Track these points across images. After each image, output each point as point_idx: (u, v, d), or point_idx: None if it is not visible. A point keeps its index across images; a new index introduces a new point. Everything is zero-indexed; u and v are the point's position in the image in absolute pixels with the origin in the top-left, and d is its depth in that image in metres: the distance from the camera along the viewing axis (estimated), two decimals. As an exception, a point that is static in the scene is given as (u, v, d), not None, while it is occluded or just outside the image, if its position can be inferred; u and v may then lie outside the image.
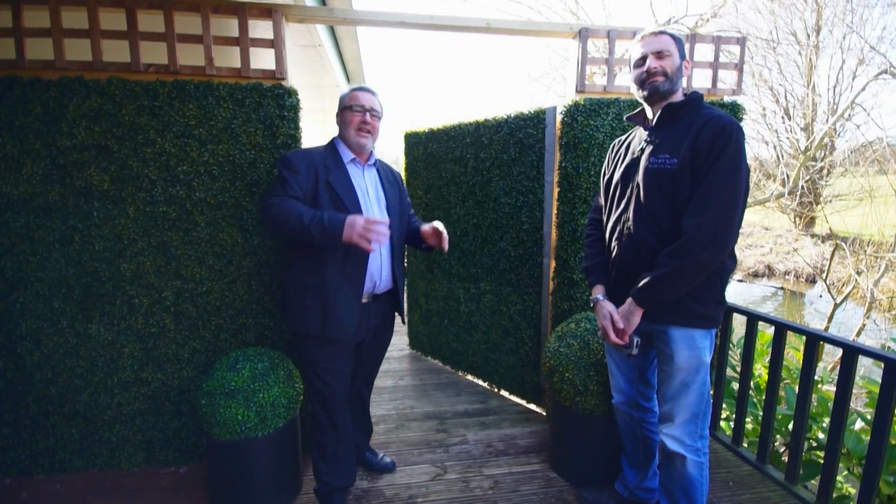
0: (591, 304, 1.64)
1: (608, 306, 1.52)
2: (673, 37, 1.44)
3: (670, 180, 1.35)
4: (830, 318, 5.90)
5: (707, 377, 1.46)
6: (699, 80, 2.40)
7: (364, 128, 1.68)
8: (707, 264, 1.30)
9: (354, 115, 1.68)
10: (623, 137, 1.65)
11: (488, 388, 3.05)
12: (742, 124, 2.35)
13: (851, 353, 1.59)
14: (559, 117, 2.30)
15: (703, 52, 2.44)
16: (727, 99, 2.33)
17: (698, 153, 1.31)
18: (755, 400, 2.55)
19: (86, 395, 2.00)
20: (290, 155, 1.65)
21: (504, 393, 2.95)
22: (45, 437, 2.01)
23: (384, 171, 1.84)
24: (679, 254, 1.30)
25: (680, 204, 1.34)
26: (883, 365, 1.49)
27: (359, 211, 1.63)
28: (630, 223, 1.46)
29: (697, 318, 1.39)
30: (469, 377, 3.20)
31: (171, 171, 1.92)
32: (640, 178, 1.44)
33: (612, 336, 1.48)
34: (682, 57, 1.44)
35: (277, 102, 1.95)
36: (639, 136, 1.53)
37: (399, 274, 1.82)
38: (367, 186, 1.74)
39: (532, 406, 2.76)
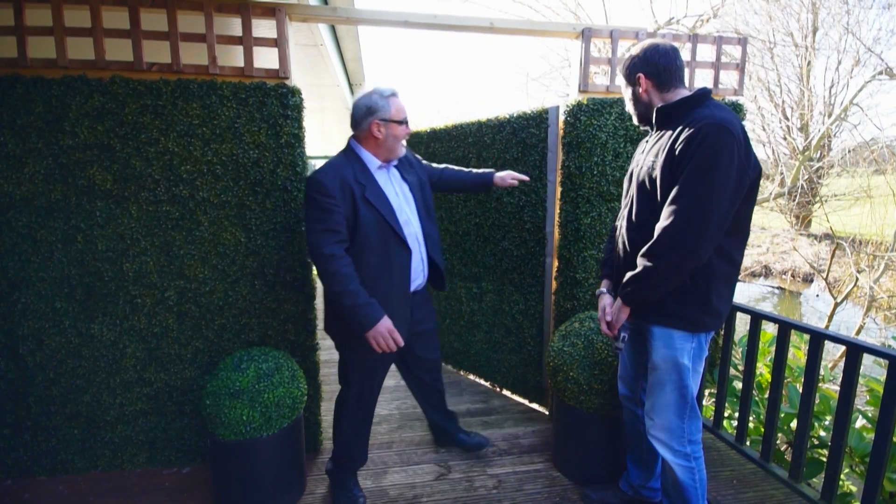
0: (596, 297, 1.68)
1: (605, 300, 1.60)
2: (622, 71, 1.50)
3: (653, 183, 1.38)
4: (831, 318, 5.92)
5: (688, 381, 1.43)
6: (701, 81, 2.41)
7: (404, 138, 1.73)
8: (677, 267, 1.29)
9: (403, 127, 1.68)
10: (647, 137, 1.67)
11: (490, 387, 3.04)
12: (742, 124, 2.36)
13: (856, 351, 1.60)
14: (562, 117, 2.31)
15: (705, 52, 2.45)
16: (728, 99, 2.33)
17: (674, 156, 1.30)
18: (757, 398, 2.56)
19: (88, 396, 1.99)
20: (321, 178, 1.57)
21: (506, 392, 2.95)
22: (47, 437, 2.00)
23: (401, 159, 1.82)
24: (648, 256, 1.33)
25: (660, 207, 1.35)
26: (887, 363, 1.49)
27: (395, 220, 1.67)
28: (624, 222, 1.52)
29: (676, 318, 1.39)
30: (471, 377, 3.20)
31: (175, 170, 1.91)
32: (636, 179, 1.48)
33: (604, 328, 1.56)
34: (633, 79, 1.46)
35: (281, 102, 1.94)
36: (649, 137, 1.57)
37: (436, 256, 1.86)
38: (395, 189, 1.76)
39: (534, 405, 2.76)
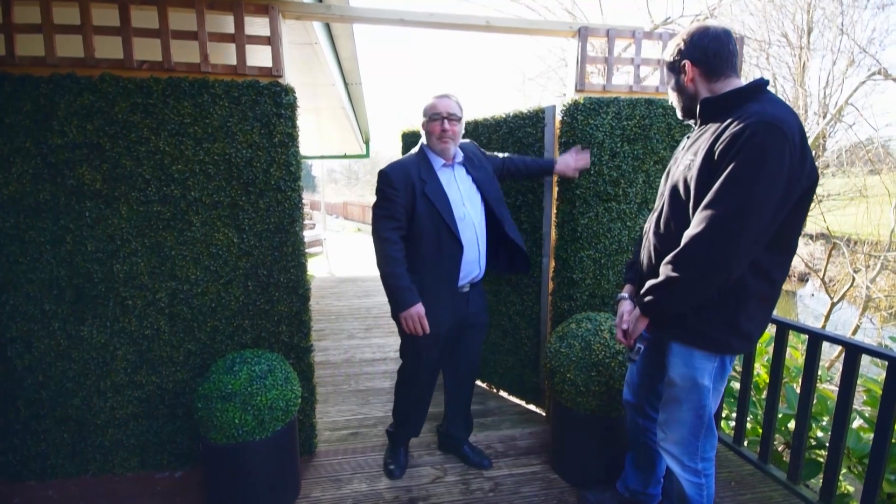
0: (616, 301, 1.62)
1: (625, 306, 1.50)
2: (666, 58, 1.36)
3: (686, 186, 1.25)
4: (827, 317, 5.94)
5: (707, 401, 1.34)
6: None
7: (444, 136, 1.81)
8: (703, 281, 1.18)
9: (434, 123, 1.81)
10: (689, 133, 1.52)
11: (487, 388, 3.03)
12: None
13: (854, 352, 1.59)
14: (559, 116, 2.29)
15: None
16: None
17: (713, 156, 1.17)
18: (754, 399, 2.55)
19: (78, 399, 1.96)
20: (389, 172, 1.79)
21: (503, 394, 2.93)
22: (37, 441, 1.97)
23: (469, 157, 1.97)
24: (673, 265, 1.22)
25: (692, 212, 1.24)
26: (887, 364, 1.48)
27: (450, 216, 1.80)
28: (652, 226, 1.41)
29: (699, 337, 1.28)
30: (467, 378, 3.18)
31: (166, 169, 1.88)
32: (670, 179, 1.36)
33: (619, 336, 1.47)
34: (677, 67, 1.32)
35: (274, 100, 1.91)
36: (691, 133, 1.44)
37: (515, 237, 1.99)
38: (458, 186, 1.88)
39: (531, 406, 2.75)
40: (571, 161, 2.14)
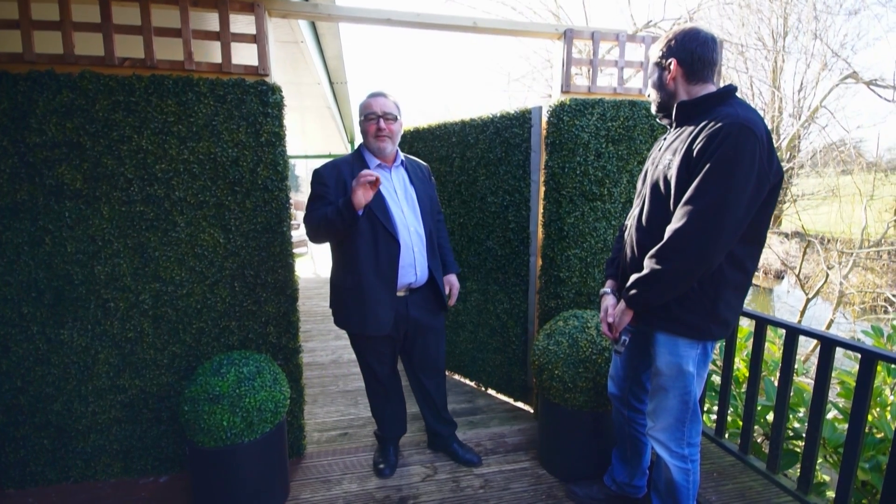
0: (599, 296, 1.66)
1: (608, 301, 1.55)
2: (655, 52, 1.40)
3: (667, 183, 1.31)
4: (803, 313, 6.12)
5: (692, 387, 1.40)
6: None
7: (380, 134, 1.78)
8: (685, 272, 1.24)
9: (370, 123, 1.78)
10: (665, 134, 1.58)
11: (476, 387, 3.05)
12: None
13: (829, 345, 1.65)
14: (545, 117, 2.32)
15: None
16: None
17: (691, 155, 1.24)
18: (734, 392, 2.62)
19: (58, 404, 1.91)
20: (320, 170, 1.79)
21: (491, 392, 2.96)
22: (16, 448, 1.91)
23: (412, 168, 1.96)
24: (656, 258, 1.28)
25: (673, 209, 1.30)
26: (860, 356, 1.54)
27: (387, 214, 1.77)
28: (634, 222, 1.46)
29: (682, 325, 1.34)
30: (456, 377, 3.20)
31: (149, 169, 1.85)
32: (649, 178, 1.42)
33: (604, 329, 1.52)
34: (663, 63, 1.38)
35: (260, 99, 1.90)
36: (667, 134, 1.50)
37: (434, 265, 1.93)
38: (394, 187, 1.85)
39: (519, 404, 2.78)
40: (454, 289, 2.09)
